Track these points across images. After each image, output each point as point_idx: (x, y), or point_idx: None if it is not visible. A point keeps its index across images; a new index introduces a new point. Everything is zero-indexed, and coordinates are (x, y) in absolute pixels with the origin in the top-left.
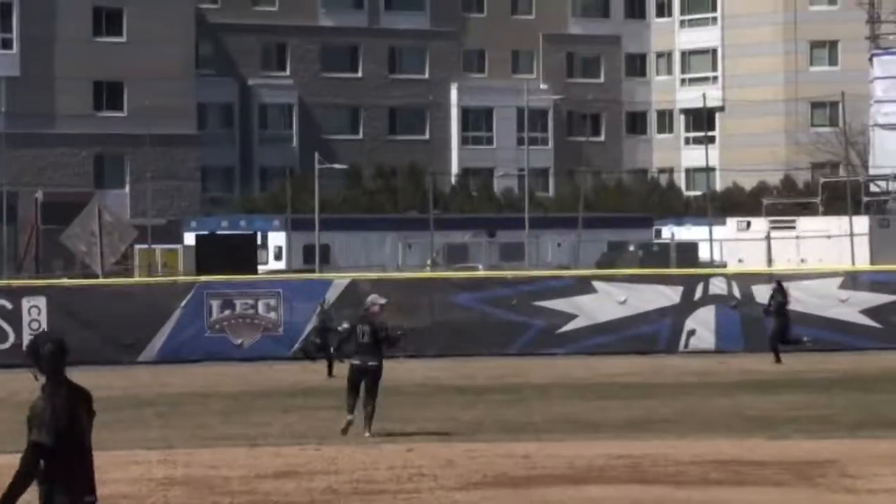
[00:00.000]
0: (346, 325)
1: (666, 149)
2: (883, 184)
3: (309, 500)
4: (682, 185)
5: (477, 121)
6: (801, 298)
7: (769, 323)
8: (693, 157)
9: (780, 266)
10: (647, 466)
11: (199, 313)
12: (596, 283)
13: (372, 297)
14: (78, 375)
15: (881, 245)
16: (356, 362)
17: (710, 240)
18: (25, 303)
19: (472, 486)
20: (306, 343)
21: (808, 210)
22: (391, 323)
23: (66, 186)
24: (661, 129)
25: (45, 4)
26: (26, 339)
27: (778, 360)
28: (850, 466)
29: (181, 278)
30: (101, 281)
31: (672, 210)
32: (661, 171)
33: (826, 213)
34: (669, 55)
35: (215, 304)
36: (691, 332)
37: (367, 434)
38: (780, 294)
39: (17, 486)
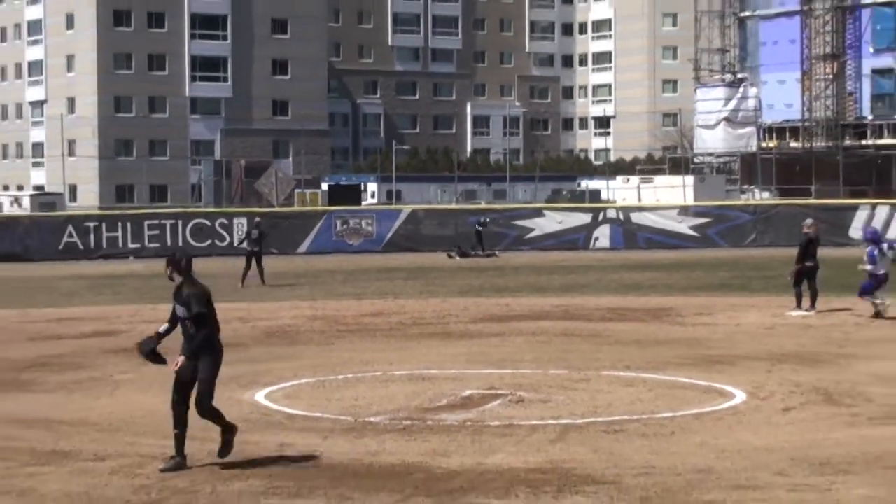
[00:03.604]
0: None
1: (584, 138)
2: (700, 158)
3: (388, 327)
4: (592, 158)
5: (481, 123)
6: (657, 220)
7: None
8: (599, 142)
9: (646, 201)
10: (573, 311)
11: (330, 227)
12: (546, 212)
13: (257, 220)
14: (267, 259)
15: (699, 191)
16: (248, 247)
17: (607, 188)
18: (235, 221)
19: (479, 320)
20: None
21: (660, 172)
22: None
23: (257, 157)
24: (581, 127)
25: (246, 58)
26: (236, 242)
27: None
28: (682, 311)
29: (320, 208)
30: (276, 209)
31: (586, 171)
32: (581, 150)
33: (670, 173)
34: (586, 88)
35: (338, 221)
36: (596, 239)
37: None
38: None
39: None
